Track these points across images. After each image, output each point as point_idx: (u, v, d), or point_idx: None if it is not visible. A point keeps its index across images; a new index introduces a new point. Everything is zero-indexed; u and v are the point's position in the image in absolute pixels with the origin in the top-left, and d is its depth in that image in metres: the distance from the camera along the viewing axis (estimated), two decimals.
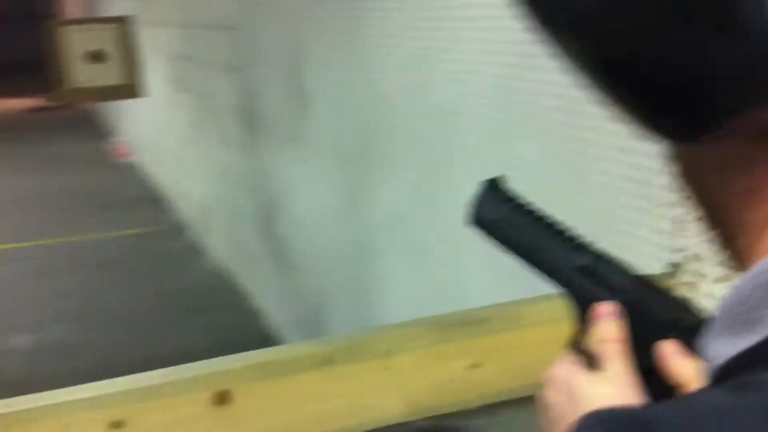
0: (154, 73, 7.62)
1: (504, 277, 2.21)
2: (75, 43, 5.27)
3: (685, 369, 0.63)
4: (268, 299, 5.17)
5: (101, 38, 5.38)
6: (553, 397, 0.69)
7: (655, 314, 0.66)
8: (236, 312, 5.59)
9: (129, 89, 5.54)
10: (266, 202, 4.81)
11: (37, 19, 17.48)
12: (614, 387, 0.65)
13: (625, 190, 1.63)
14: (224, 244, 6.26)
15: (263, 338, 5.11)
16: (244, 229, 5.47)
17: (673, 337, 0.65)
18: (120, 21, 5.47)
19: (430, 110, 2.46)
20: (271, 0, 4.04)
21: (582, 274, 0.71)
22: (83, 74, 5.34)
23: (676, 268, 1.49)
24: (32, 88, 18.14)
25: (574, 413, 0.63)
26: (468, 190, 2.22)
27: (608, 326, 0.67)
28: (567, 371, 0.69)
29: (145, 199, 8.74)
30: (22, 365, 4.91)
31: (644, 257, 1.52)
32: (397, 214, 2.89)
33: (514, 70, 1.99)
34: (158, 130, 8.46)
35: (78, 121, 14.04)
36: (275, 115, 4.26)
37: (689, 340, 0.63)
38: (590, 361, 0.68)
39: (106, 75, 5.41)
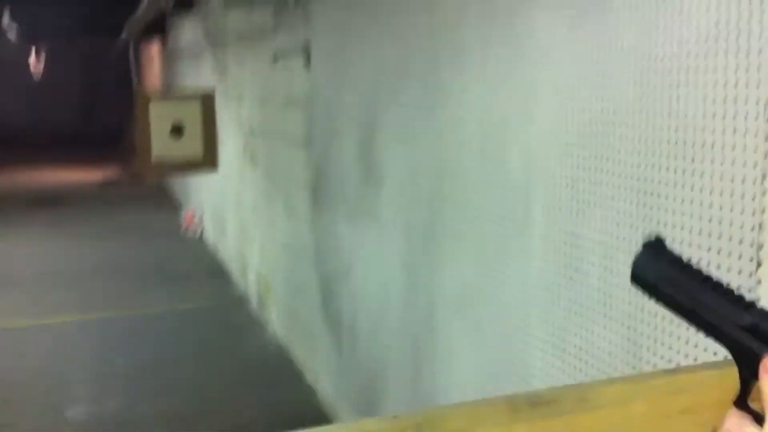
0: (227, 146, 7.86)
1: (568, 359, 2.19)
2: (160, 116, 5.49)
3: None
4: (325, 375, 5.15)
5: (185, 112, 5.59)
6: None
7: None
8: (293, 387, 5.58)
9: (206, 163, 5.71)
10: (327, 276, 4.85)
11: (119, 91, 18.25)
12: None
13: None
14: (284, 318, 6.30)
15: (319, 415, 5.09)
16: (305, 304, 5.51)
17: None
18: (203, 96, 5.68)
19: (502, 185, 2.49)
20: (344, 77, 4.17)
21: (748, 332, 0.72)
22: (165, 147, 5.53)
23: None
24: (110, 159, 18.83)
25: None
26: (536, 266, 2.22)
27: None
28: (734, 430, 0.70)
29: (209, 272, 8.88)
30: None
31: None
32: (461, 289, 2.89)
33: (586, 149, 2.01)
34: (226, 203, 8.67)
35: (148, 193, 14.45)
36: (344, 189, 4.34)
37: None
38: (757, 418, 0.70)
39: (187, 148, 5.59)
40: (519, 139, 2.36)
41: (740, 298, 0.74)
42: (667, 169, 1.70)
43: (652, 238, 0.81)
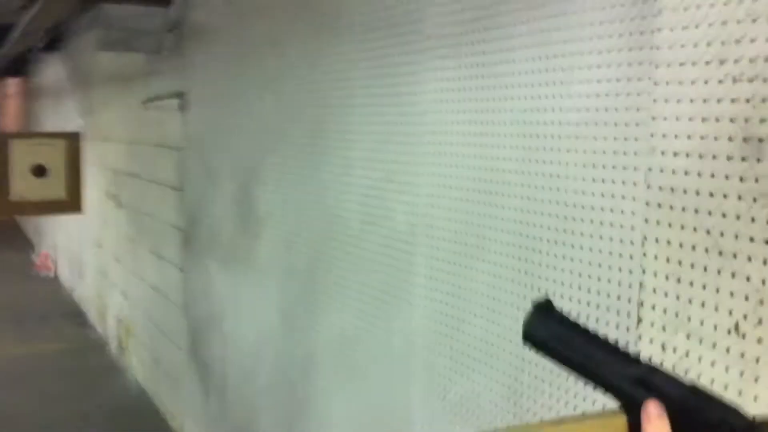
0: (89, 188, 7.61)
1: (451, 407, 2.27)
2: (22, 156, 5.28)
3: None
4: (191, 421, 5.03)
5: (48, 153, 5.41)
6: None
7: (710, 419, 0.73)
8: None
9: (70, 204, 5.53)
10: (197, 322, 4.77)
11: None
12: None
13: None
14: (147, 363, 6.11)
15: None
16: (170, 349, 5.38)
17: None
18: (68, 137, 5.51)
19: (385, 236, 2.55)
20: (223, 124, 4.17)
21: (636, 385, 0.77)
22: (26, 187, 5.32)
23: None
24: None
25: None
26: (419, 316, 2.29)
27: (655, 424, 0.74)
28: None
29: (65, 314, 8.50)
30: None
31: None
32: (341, 337, 2.92)
33: (471, 205, 2.12)
34: (85, 245, 8.35)
35: (2, 232, 13.70)
36: (219, 234, 4.30)
37: None
38: None
39: (49, 189, 5.40)
40: (403, 194, 2.44)
41: (626, 353, 0.79)
42: (549, 228, 1.82)
43: (542, 299, 0.86)
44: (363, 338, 2.74)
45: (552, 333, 0.84)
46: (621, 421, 0.80)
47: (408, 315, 2.45)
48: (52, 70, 9.66)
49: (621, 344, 0.82)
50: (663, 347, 1.49)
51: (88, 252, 8.21)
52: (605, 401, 0.82)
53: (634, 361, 0.79)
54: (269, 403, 3.69)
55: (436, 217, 2.28)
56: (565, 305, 1.77)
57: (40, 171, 5.55)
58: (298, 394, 3.34)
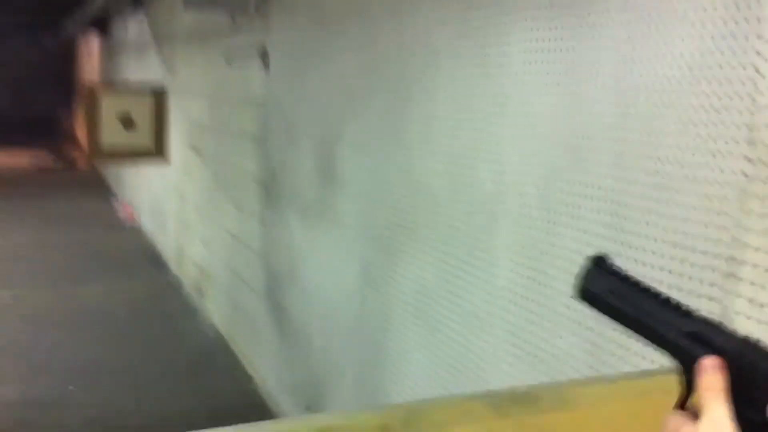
0: (174, 140, 7.84)
1: (525, 361, 2.34)
2: (112, 107, 5.50)
3: None
4: (266, 367, 5.23)
5: (136, 105, 5.61)
6: None
7: (764, 372, 0.73)
8: (230, 376, 5.64)
9: (157, 154, 5.74)
10: (276, 271, 4.93)
11: (59, 80, 17.89)
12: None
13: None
14: (224, 308, 6.35)
15: (256, 404, 5.16)
16: (248, 296, 5.57)
17: None
18: (155, 90, 5.70)
19: (470, 194, 2.60)
20: (304, 83, 4.25)
21: (690, 339, 0.78)
22: (116, 137, 5.54)
23: None
24: (44, 145, 18.44)
25: None
26: (502, 271, 2.34)
27: (711, 377, 0.75)
28: (674, 428, 0.78)
29: (146, 261, 8.84)
30: (6, 416, 4.90)
31: None
32: (419, 293, 3.00)
33: (556, 170, 2.16)
34: (167, 195, 8.63)
35: (82, 181, 14.21)
36: (298, 189, 4.42)
37: None
38: (696, 418, 0.76)
39: (137, 139, 5.61)
40: (489, 154, 2.48)
41: (681, 307, 0.80)
42: (642, 184, 1.82)
43: (597, 255, 0.87)
44: (443, 293, 2.81)
45: (607, 288, 0.84)
46: (673, 380, 0.81)
47: (491, 273, 2.50)
48: (135, 28, 9.90)
49: (676, 300, 0.81)
50: (762, 306, 1.51)
51: (170, 202, 8.49)
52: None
53: (688, 315, 0.79)
54: (346, 352, 3.82)
55: (523, 175, 2.31)
56: (657, 262, 1.79)
57: (128, 122, 5.76)
58: (375, 344, 3.45)
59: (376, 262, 3.42)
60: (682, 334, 0.78)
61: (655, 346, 0.81)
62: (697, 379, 0.76)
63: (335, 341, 3.99)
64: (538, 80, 2.23)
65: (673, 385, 1.28)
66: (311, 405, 4.35)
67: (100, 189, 13.30)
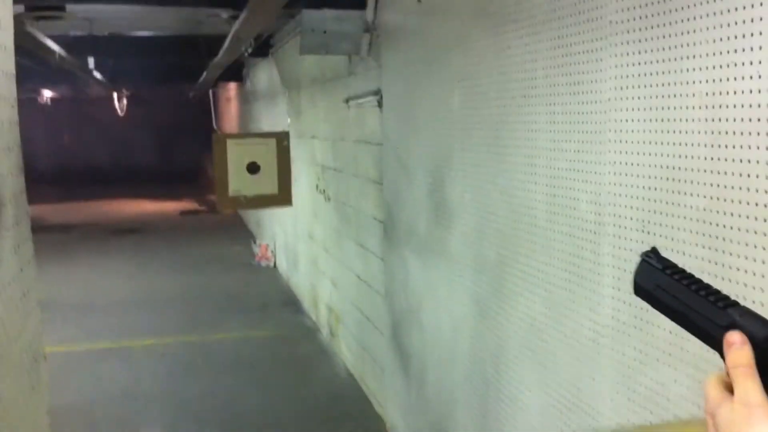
0: (300, 183, 8.07)
1: (639, 400, 2.22)
2: (238, 154, 5.72)
3: None
4: (394, 408, 5.22)
5: (260, 151, 5.82)
6: None
7: None
8: (361, 420, 5.67)
9: (281, 198, 5.92)
10: (398, 310, 4.94)
11: (198, 132, 18.95)
12: (746, 408, 0.73)
13: None
14: (354, 350, 6.40)
15: None
16: (375, 337, 5.60)
17: None
18: (278, 136, 5.90)
19: (570, 227, 2.54)
20: (414, 120, 4.29)
21: (726, 331, 0.78)
22: (242, 183, 5.76)
23: None
24: (187, 193, 19.49)
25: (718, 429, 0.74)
26: (607, 308, 2.26)
27: (737, 353, 0.75)
28: (712, 408, 0.77)
29: (282, 302, 9.09)
30: None
31: None
32: (529, 326, 2.94)
33: (657, 193, 2.06)
34: (298, 236, 8.87)
35: (223, 224, 14.85)
36: (415, 226, 4.43)
37: None
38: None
39: (262, 185, 5.81)
40: (588, 185, 2.41)
41: (723, 299, 0.80)
42: (739, 215, 1.74)
43: (649, 251, 0.87)
44: (551, 327, 2.74)
45: (657, 283, 0.85)
46: None
47: (595, 304, 2.42)
48: (264, 74, 10.33)
49: (716, 291, 0.81)
50: None
51: (301, 243, 8.71)
52: None
53: (729, 306, 0.79)
54: (465, 393, 3.76)
55: (622, 205, 2.23)
56: (758, 297, 1.69)
57: (254, 168, 5.96)
58: (491, 384, 3.39)
59: (487, 296, 3.36)
60: (719, 327, 0.79)
61: (701, 339, 0.82)
62: (725, 353, 0.77)
63: (453, 382, 3.93)
64: (631, 104, 2.15)
65: None
66: None
67: (240, 232, 13.84)
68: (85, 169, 23.17)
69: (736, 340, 0.76)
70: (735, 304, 0.80)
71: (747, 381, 0.74)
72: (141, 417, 5.78)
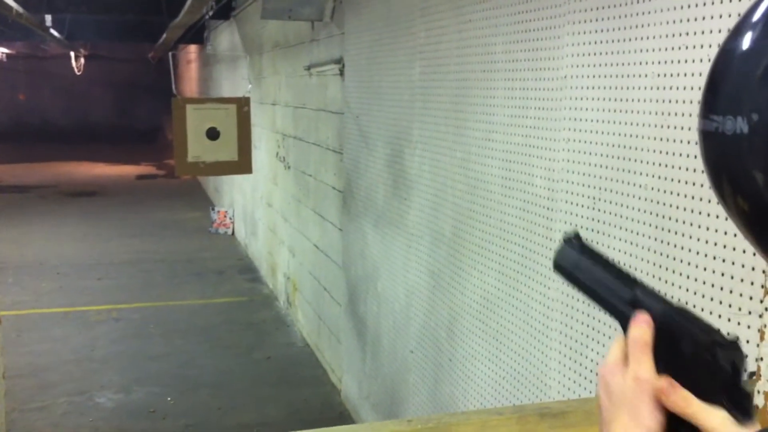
0: (260, 150, 8.02)
1: (584, 371, 2.27)
2: (198, 120, 5.65)
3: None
4: (349, 376, 5.26)
5: (220, 117, 5.74)
6: (600, 399, 0.85)
7: (692, 335, 0.79)
8: (316, 386, 5.71)
9: (241, 165, 5.87)
10: (355, 280, 4.96)
11: (158, 94, 18.65)
12: (635, 382, 0.80)
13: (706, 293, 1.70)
14: (311, 318, 6.43)
15: (339, 415, 5.21)
16: (331, 305, 5.63)
17: (707, 353, 0.77)
18: (239, 102, 5.83)
19: (525, 201, 2.57)
20: (375, 90, 4.28)
21: (630, 305, 0.84)
22: (201, 149, 5.69)
23: None
24: (145, 157, 19.24)
25: (608, 408, 0.81)
26: (556, 279, 2.29)
27: (638, 330, 0.82)
28: (607, 373, 0.84)
29: (239, 269, 9.06)
30: (106, 423, 5.10)
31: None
32: (483, 299, 2.98)
33: (608, 171, 2.10)
34: (257, 204, 8.83)
35: (181, 190, 14.71)
36: (373, 197, 4.44)
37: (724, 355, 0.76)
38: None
39: (221, 151, 5.74)
40: (542, 161, 2.44)
41: (627, 277, 0.87)
42: (686, 195, 1.78)
43: (570, 233, 0.95)
44: (504, 301, 2.78)
45: (574, 262, 0.92)
46: None
47: (547, 279, 2.46)
48: (225, 38, 10.19)
49: (625, 269, 0.88)
50: None
51: (260, 211, 8.68)
52: None
53: (633, 283, 0.86)
54: (417, 362, 3.80)
55: (574, 182, 2.27)
56: (699, 275, 1.74)
57: (213, 134, 5.89)
58: (443, 353, 3.43)
59: (442, 268, 3.40)
60: (624, 301, 0.85)
61: (609, 314, 0.89)
62: (629, 330, 0.82)
63: (407, 348, 3.98)
64: (586, 83, 2.17)
65: None
66: (390, 415, 4.35)
67: (198, 198, 13.72)
68: (41, 127, 22.73)
69: (642, 320, 0.82)
70: (638, 283, 0.86)
71: (642, 356, 0.80)
72: (95, 379, 5.76)
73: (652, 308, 0.83)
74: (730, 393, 0.77)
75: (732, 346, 0.77)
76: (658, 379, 0.80)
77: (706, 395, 0.79)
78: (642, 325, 0.82)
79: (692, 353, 0.79)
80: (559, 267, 0.95)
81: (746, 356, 0.79)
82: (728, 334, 0.77)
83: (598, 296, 0.90)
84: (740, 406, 0.77)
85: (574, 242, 0.94)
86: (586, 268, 0.91)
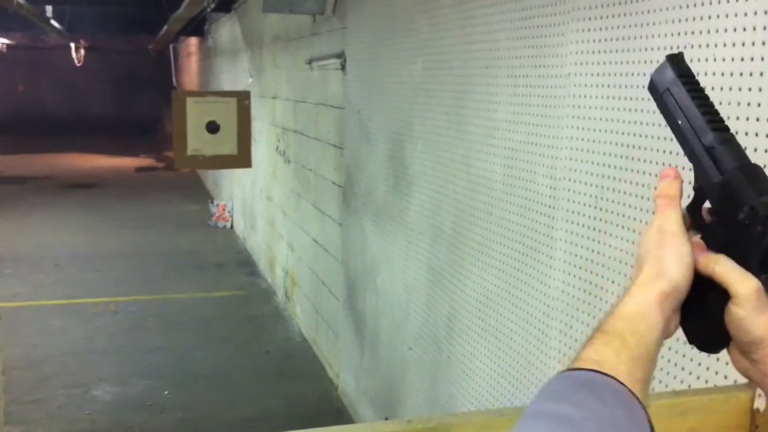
0: (259, 144, 8.00)
1: None
2: (198, 113, 5.64)
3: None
4: (347, 371, 5.26)
5: (220, 110, 5.74)
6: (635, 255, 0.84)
7: (750, 202, 0.76)
8: (315, 381, 5.70)
9: (240, 159, 5.86)
10: (354, 275, 4.95)
11: (157, 86, 18.63)
12: (659, 233, 0.79)
13: None
14: (309, 312, 6.42)
15: (336, 410, 5.20)
16: (329, 300, 5.62)
17: (759, 224, 0.75)
18: (239, 95, 5.82)
19: (527, 199, 2.56)
20: (377, 85, 4.26)
21: (706, 152, 0.80)
22: (201, 142, 5.68)
23: None
24: (144, 149, 19.20)
25: (637, 259, 0.81)
26: (558, 280, 2.28)
27: (667, 183, 0.81)
28: (643, 228, 0.85)
29: (238, 263, 9.05)
30: (102, 416, 5.09)
31: None
32: (482, 296, 2.96)
33: (611, 170, 2.08)
34: (256, 198, 8.81)
35: (180, 183, 14.69)
36: (373, 192, 4.43)
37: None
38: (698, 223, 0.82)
39: (221, 145, 5.74)
40: (545, 159, 2.43)
41: (716, 122, 0.81)
42: (688, 196, 1.76)
43: (675, 53, 0.86)
44: (504, 299, 2.77)
45: (669, 84, 0.84)
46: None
47: (547, 278, 2.45)
48: (226, 31, 10.16)
49: (718, 112, 0.81)
50: None
51: (259, 204, 8.66)
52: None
53: (716, 129, 0.80)
54: (416, 359, 3.79)
55: (577, 180, 2.25)
56: None
57: (213, 127, 5.88)
58: (442, 351, 3.42)
59: (442, 265, 3.39)
60: (701, 145, 0.80)
61: (684, 152, 0.83)
62: (658, 182, 0.82)
63: (406, 345, 3.97)
64: (590, 80, 2.16)
65: (710, 406, 1.19)
66: (388, 414, 4.34)
67: (197, 191, 13.70)
68: (40, 118, 22.66)
69: (669, 174, 0.81)
70: (725, 129, 0.80)
71: (668, 210, 0.80)
72: (93, 372, 5.75)
73: (724, 163, 0.79)
74: None
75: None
76: (685, 233, 0.79)
77: (745, 265, 0.76)
78: (668, 179, 0.81)
79: (744, 220, 0.76)
80: (653, 86, 0.86)
81: None
82: None
83: (679, 131, 0.83)
84: None
85: (677, 62, 0.85)
86: (678, 95, 0.83)
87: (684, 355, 1.78)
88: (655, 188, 0.82)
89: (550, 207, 2.42)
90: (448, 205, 3.27)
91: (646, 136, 1.92)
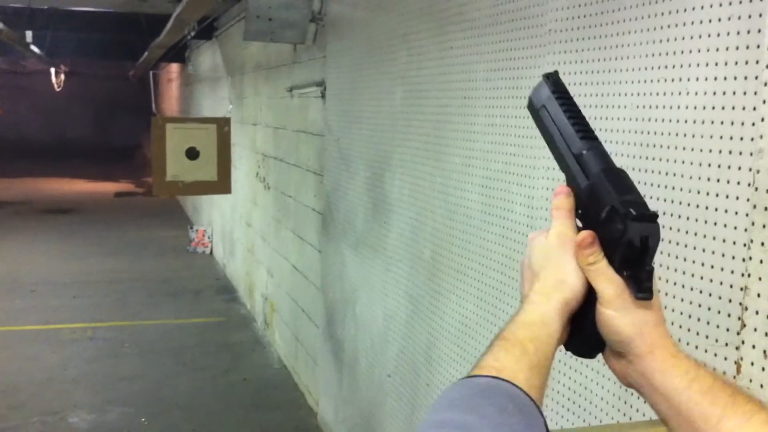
0: (239, 170, 8.00)
1: (563, 402, 2.27)
2: (177, 139, 5.64)
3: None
4: (325, 400, 5.23)
5: (200, 136, 5.74)
6: (522, 265, 0.89)
7: (612, 202, 0.79)
8: (292, 410, 5.66)
9: (220, 185, 5.86)
10: (333, 302, 4.95)
11: (137, 112, 18.61)
12: (559, 238, 0.84)
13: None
14: (288, 339, 6.39)
15: None
16: (309, 327, 5.60)
17: (619, 223, 0.77)
18: (219, 122, 5.83)
19: (504, 228, 2.58)
20: (356, 114, 4.29)
21: (575, 159, 0.85)
22: (180, 168, 5.68)
23: None
24: (123, 174, 19.13)
25: (531, 268, 0.84)
26: None
27: (562, 199, 0.86)
28: (533, 237, 0.89)
29: (216, 289, 9.00)
30: None
31: None
32: (461, 325, 2.98)
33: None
34: (236, 224, 8.79)
35: (160, 208, 14.63)
36: (353, 219, 4.44)
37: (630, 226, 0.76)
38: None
39: (201, 171, 5.74)
40: (522, 188, 2.45)
41: (585, 132, 0.85)
42: (663, 226, 1.79)
43: (550, 72, 0.90)
44: (483, 327, 2.78)
45: (544, 103, 0.88)
46: None
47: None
48: (207, 58, 10.19)
49: (588, 124, 0.85)
50: (765, 354, 1.45)
51: (239, 231, 8.64)
52: None
53: (584, 138, 0.84)
54: (395, 387, 3.79)
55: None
56: (675, 305, 1.75)
57: (193, 153, 5.89)
58: (421, 378, 3.42)
59: (421, 293, 3.40)
60: (572, 154, 0.84)
61: (556, 161, 0.87)
62: (552, 201, 0.87)
63: (385, 372, 3.96)
64: None
65: None
66: None
67: (177, 216, 13.65)
68: (19, 143, 22.53)
69: (563, 191, 0.86)
70: (593, 138, 0.84)
71: (566, 219, 0.85)
72: (68, 399, 5.69)
73: (590, 168, 0.83)
74: (633, 267, 0.77)
75: (646, 221, 0.76)
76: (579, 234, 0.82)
77: (613, 265, 0.78)
78: (561, 196, 0.86)
79: (606, 220, 0.79)
80: (531, 105, 0.90)
81: (661, 236, 0.78)
82: (651, 210, 0.77)
83: (552, 143, 0.87)
84: (639, 282, 0.77)
85: (552, 80, 0.89)
86: (552, 110, 0.87)
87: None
88: (551, 203, 0.87)
89: (527, 236, 2.43)
90: (427, 233, 3.29)
91: (623, 167, 1.95)
